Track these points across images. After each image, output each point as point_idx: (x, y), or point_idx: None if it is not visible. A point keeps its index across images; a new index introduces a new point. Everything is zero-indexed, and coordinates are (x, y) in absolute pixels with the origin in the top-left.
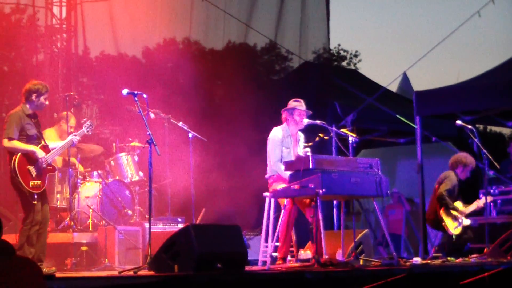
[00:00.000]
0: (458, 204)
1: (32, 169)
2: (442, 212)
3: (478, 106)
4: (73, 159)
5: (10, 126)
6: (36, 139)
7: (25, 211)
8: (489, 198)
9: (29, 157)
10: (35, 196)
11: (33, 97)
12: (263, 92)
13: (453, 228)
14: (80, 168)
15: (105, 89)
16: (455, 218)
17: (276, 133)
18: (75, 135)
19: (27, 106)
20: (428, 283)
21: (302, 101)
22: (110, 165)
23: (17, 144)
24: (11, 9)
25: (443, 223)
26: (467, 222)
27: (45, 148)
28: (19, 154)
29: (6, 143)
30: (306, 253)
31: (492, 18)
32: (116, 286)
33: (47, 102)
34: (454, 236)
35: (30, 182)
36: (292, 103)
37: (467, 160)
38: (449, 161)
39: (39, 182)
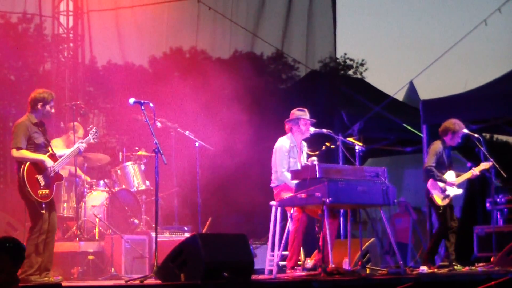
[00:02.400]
0: (450, 174)
1: (40, 178)
2: (429, 184)
3: (485, 115)
4: (78, 170)
5: (18, 136)
6: (44, 147)
7: (33, 220)
8: (487, 165)
9: (38, 166)
10: (43, 205)
11: (39, 106)
12: (270, 101)
13: (441, 200)
14: (87, 178)
15: (112, 98)
16: (442, 190)
17: (283, 143)
18: (81, 143)
19: (33, 115)
20: None
21: (306, 110)
22: (116, 174)
23: (26, 153)
24: (18, 18)
25: (430, 195)
26: (457, 191)
27: (53, 157)
28: (28, 163)
29: (15, 153)
30: (312, 262)
31: (498, 26)
32: None
33: (53, 110)
34: (441, 208)
35: (39, 191)
36: (296, 113)
37: (455, 127)
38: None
39: (47, 191)
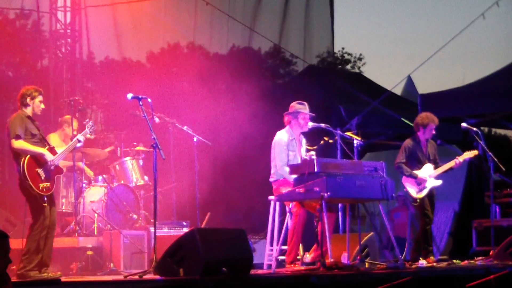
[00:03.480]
0: (427, 167)
1: (40, 171)
2: (403, 179)
3: (483, 109)
4: (80, 165)
5: (14, 127)
6: (41, 140)
7: (34, 217)
8: (471, 154)
9: (37, 160)
10: (45, 199)
11: (28, 100)
12: (267, 96)
13: (415, 193)
14: (89, 173)
15: (110, 93)
16: (417, 183)
17: (281, 137)
18: (81, 134)
19: (24, 109)
20: (434, 286)
21: (306, 104)
22: (115, 170)
23: (26, 145)
24: (16, 14)
25: (405, 189)
26: (435, 183)
27: (52, 150)
28: (27, 157)
29: (14, 143)
30: (311, 256)
31: (496, 20)
32: None
33: (42, 106)
34: (417, 200)
35: (40, 184)
36: (296, 106)
37: (423, 121)
38: None
39: (48, 184)
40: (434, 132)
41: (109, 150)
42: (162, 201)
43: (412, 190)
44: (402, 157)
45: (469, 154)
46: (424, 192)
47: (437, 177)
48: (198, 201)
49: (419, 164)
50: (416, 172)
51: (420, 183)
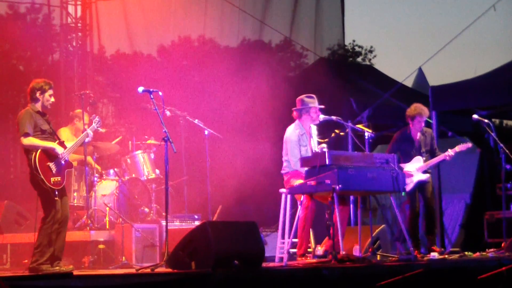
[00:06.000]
0: (417, 159)
1: (52, 165)
2: None
3: (494, 101)
4: (90, 159)
5: (23, 124)
6: (51, 134)
7: (46, 210)
8: (463, 146)
9: (49, 154)
10: (56, 193)
11: (37, 94)
12: (278, 89)
13: None
14: (98, 168)
15: (121, 87)
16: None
17: (291, 133)
18: (88, 129)
19: (34, 104)
20: (446, 278)
21: (315, 96)
22: (126, 163)
23: (35, 141)
24: (27, 8)
25: None
26: (420, 176)
27: (62, 145)
28: (39, 151)
29: (24, 140)
30: (322, 249)
31: (508, 12)
32: (133, 284)
33: (52, 99)
34: (403, 194)
35: (51, 178)
36: (306, 100)
37: (411, 113)
38: None
39: (59, 178)
40: (423, 124)
41: (117, 141)
42: (173, 194)
43: None
44: (388, 150)
45: (460, 147)
46: (410, 186)
47: (425, 171)
48: (210, 194)
49: (408, 157)
50: (405, 165)
51: (407, 176)
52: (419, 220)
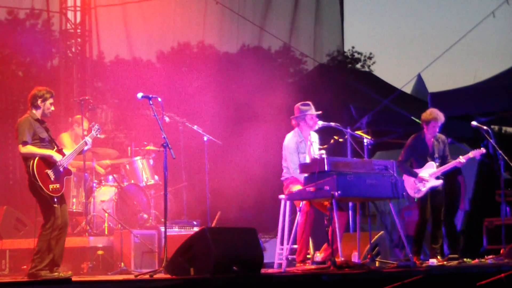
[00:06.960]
0: (430, 165)
1: (50, 172)
2: (404, 179)
3: (493, 107)
4: (92, 164)
5: (22, 132)
6: (49, 142)
7: (45, 217)
8: (476, 153)
9: (47, 161)
10: (55, 200)
11: (39, 101)
12: (277, 95)
13: (413, 192)
14: (100, 170)
15: (120, 93)
16: (419, 181)
17: (290, 141)
18: (87, 136)
19: (34, 111)
20: (445, 284)
21: (310, 103)
22: (125, 169)
23: (33, 149)
24: (26, 14)
25: (405, 187)
26: (434, 183)
27: (60, 152)
28: (37, 158)
29: (22, 149)
30: (321, 255)
31: (507, 18)
32: None
33: (52, 108)
34: (416, 199)
35: (50, 185)
36: (302, 108)
37: (426, 117)
38: None
39: (58, 185)
40: (437, 130)
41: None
42: (172, 200)
43: (410, 189)
44: (402, 155)
45: (474, 153)
46: (423, 192)
47: (438, 177)
48: (209, 200)
49: (421, 162)
50: (419, 170)
51: (420, 182)
52: (426, 227)
